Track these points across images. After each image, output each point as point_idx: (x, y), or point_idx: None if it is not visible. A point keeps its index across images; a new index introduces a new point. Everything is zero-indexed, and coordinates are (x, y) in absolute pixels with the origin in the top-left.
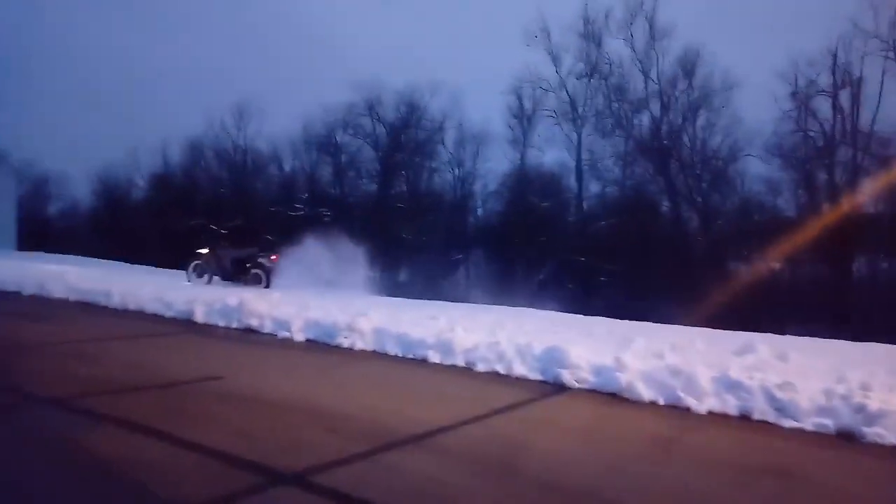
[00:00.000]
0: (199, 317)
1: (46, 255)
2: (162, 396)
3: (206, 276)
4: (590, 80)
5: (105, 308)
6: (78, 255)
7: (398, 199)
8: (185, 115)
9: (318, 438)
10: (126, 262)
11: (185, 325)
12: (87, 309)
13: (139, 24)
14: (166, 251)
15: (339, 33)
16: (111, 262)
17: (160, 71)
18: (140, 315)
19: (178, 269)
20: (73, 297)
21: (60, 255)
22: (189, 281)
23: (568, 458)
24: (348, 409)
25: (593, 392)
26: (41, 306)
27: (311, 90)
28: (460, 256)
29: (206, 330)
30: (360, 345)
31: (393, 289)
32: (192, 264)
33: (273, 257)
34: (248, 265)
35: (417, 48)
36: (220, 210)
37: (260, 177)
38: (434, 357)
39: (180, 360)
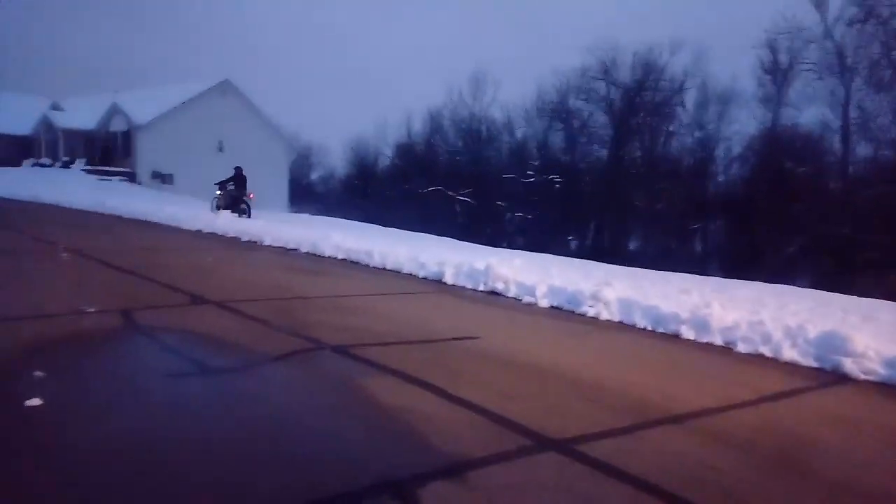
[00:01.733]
0: (449, 278)
1: (310, 216)
2: (428, 351)
3: (219, 209)
4: (864, 26)
5: (367, 266)
6: (333, 216)
7: (631, 165)
8: (428, 88)
9: (577, 406)
10: (372, 223)
11: (437, 285)
12: (352, 266)
13: (386, 4)
14: (409, 213)
15: None
16: (362, 223)
17: (407, 47)
18: (397, 274)
19: (414, 230)
20: (340, 256)
21: (322, 217)
22: (212, 212)
23: (863, 459)
24: (603, 380)
25: (883, 386)
26: (315, 263)
27: (546, 56)
28: (697, 226)
29: (456, 291)
30: (605, 315)
31: (622, 257)
32: (212, 201)
33: (251, 195)
34: (237, 201)
35: (656, 4)
36: (457, 175)
37: (493, 144)
38: (687, 333)
39: (438, 318)
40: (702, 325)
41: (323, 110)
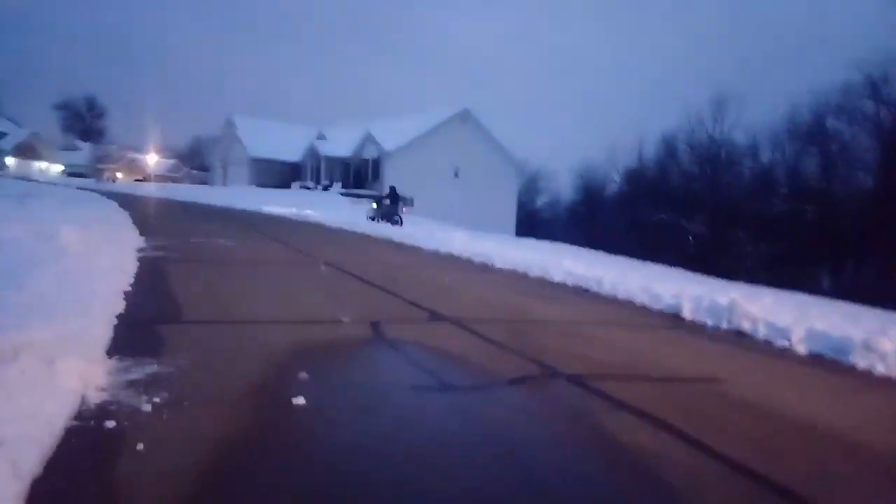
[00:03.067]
0: (687, 313)
1: (536, 241)
2: (667, 390)
3: (375, 219)
4: None
5: (597, 294)
6: (557, 241)
7: None
8: (662, 112)
9: (857, 475)
10: (597, 250)
11: (672, 319)
12: (582, 294)
13: (623, 29)
14: (635, 242)
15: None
16: (588, 250)
17: (642, 70)
18: (628, 304)
19: (649, 260)
20: (569, 282)
21: (548, 242)
22: (368, 220)
23: None
24: (890, 447)
25: None
26: (545, 288)
27: (800, 74)
28: None
29: (694, 327)
30: (880, 368)
31: (890, 300)
32: (368, 211)
33: (405, 209)
34: (391, 213)
35: None
36: (690, 203)
37: (734, 170)
38: None
39: (675, 355)
40: None
41: (553, 136)
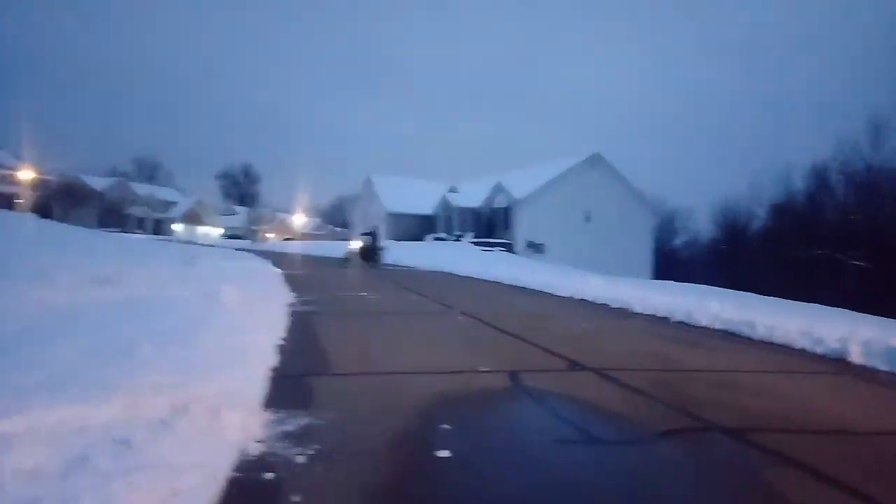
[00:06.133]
0: (856, 357)
1: (674, 283)
2: (840, 445)
3: (348, 263)
4: None
5: (748, 339)
6: (698, 283)
7: None
8: (810, 142)
9: None
10: (741, 290)
11: (838, 364)
12: (731, 338)
13: (756, 58)
14: (784, 280)
15: None
16: (732, 291)
17: (777, 100)
18: (785, 349)
19: (802, 300)
20: (716, 326)
21: (688, 285)
22: (340, 267)
23: None
24: None
25: None
26: (689, 333)
27: None
28: None
29: (866, 373)
30: None
31: None
32: (343, 257)
33: (384, 246)
34: (373, 253)
35: None
36: (848, 237)
37: None
38: None
39: (847, 405)
40: None
41: (689, 173)
